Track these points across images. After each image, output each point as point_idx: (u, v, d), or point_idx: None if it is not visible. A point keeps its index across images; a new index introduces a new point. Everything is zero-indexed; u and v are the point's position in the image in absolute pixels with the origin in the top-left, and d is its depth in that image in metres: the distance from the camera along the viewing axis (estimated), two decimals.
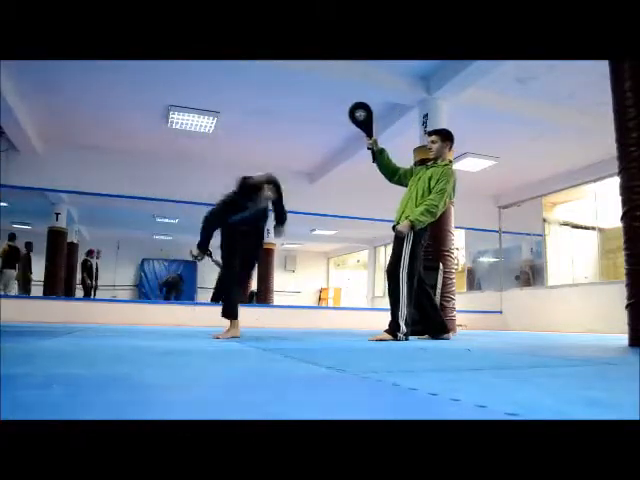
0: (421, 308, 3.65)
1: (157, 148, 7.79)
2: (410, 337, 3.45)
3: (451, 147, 3.81)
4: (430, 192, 3.53)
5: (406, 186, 3.80)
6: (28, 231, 12.26)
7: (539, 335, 5.61)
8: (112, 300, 10.52)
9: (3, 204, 9.27)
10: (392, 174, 3.84)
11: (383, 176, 3.88)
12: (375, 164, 3.78)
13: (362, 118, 3.65)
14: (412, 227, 3.44)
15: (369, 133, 3.67)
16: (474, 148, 7.25)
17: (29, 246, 10.79)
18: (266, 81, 5.53)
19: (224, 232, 3.47)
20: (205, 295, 14.47)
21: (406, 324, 3.36)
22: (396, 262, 3.47)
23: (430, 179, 3.57)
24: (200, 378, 1.22)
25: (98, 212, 10.59)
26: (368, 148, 3.70)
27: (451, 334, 3.42)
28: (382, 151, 3.75)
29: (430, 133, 3.89)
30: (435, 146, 3.69)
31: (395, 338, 3.31)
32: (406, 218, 3.50)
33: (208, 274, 13.02)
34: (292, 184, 8.77)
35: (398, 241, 3.51)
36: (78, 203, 9.63)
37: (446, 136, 3.76)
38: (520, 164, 8.05)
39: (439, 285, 4.62)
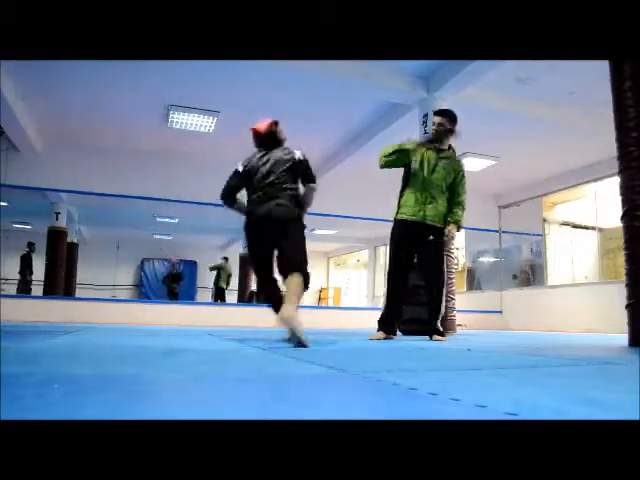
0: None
1: (157, 148, 7.78)
2: (418, 336, 3.47)
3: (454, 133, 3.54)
4: (451, 186, 3.49)
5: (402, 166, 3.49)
6: (28, 231, 12.26)
7: (539, 335, 5.61)
8: (112, 300, 10.52)
9: (3, 204, 9.26)
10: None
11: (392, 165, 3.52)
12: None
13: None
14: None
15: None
16: (474, 148, 7.25)
17: (31, 246, 10.81)
18: (266, 81, 5.52)
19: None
20: (204, 295, 14.47)
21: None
22: (440, 272, 3.40)
23: (455, 171, 3.46)
24: (200, 378, 1.22)
25: (98, 212, 10.58)
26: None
27: (437, 336, 3.38)
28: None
29: (438, 113, 3.52)
30: (442, 129, 3.42)
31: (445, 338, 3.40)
32: (440, 217, 3.41)
33: (210, 274, 12.99)
34: None
35: (439, 248, 3.39)
36: (78, 203, 9.63)
37: (454, 121, 3.46)
38: (520, 164, 8.04)
39: None
